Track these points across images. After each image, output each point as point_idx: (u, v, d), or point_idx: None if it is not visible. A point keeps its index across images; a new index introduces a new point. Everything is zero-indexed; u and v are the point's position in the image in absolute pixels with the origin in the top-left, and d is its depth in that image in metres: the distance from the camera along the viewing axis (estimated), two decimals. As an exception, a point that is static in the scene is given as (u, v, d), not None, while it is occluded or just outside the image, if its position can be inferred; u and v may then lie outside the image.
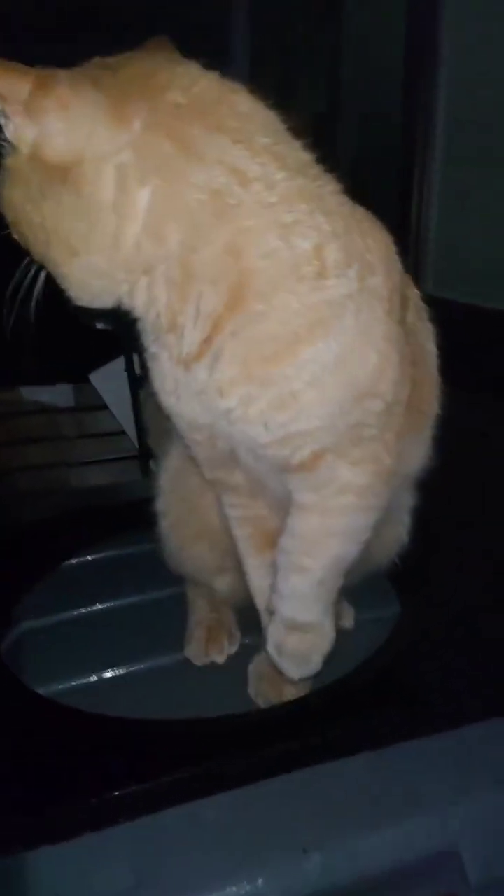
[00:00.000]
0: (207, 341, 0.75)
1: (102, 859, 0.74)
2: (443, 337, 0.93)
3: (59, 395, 1.84)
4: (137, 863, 0.74)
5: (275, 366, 0.74)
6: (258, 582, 0.98)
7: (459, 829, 0.79)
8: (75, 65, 0.73)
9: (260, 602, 0.99)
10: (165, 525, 1.06)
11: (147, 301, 0.76)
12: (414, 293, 0.88)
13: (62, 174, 0.69)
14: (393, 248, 0.81)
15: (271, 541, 0.94)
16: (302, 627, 0.90)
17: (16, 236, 0.76)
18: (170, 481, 1.06)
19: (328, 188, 0.76)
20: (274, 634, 0.91)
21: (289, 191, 0.72)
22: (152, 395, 1.20)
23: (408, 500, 1.02)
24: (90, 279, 0.75)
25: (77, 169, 0.69)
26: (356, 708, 0.92)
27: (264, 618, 0.99)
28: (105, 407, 1.77)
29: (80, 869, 0.74)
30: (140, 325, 0.81)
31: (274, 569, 0.94)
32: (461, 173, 1.51)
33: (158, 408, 0.88)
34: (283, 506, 0.91)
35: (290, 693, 0.96)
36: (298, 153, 0.75)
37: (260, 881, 0.73)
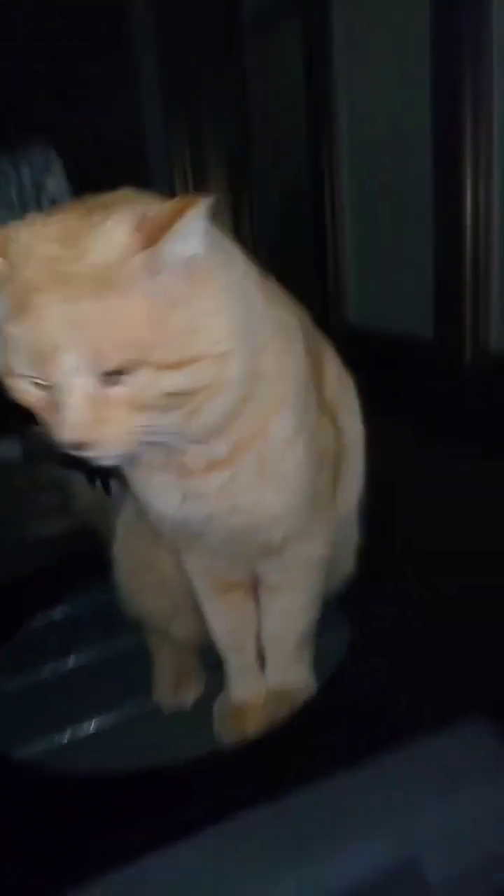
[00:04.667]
0: (238, 449, 0.81)
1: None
2: (360, 363, 1.02)
3: (7, 448, 1.86)
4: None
5: (282, 463, 0.84)
6: (218, 624, 1.03)
7: (417, 838, 0.84)
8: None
9: (221, 643, 1.04)
10: (119, 571, 1.11)
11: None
12: (331, 357, 1.00)
13: None
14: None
15: (231, 586, 1.01)
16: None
17: None
18: (124, 525, 1.11)
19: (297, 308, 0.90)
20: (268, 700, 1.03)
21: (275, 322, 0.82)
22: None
23: (354, 537, 1.11)
24: None
25: None
26: (315, 735, 0.97)
27: (225, 658, 1.05)
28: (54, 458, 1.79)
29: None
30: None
31: (233, 609, 1.02)
32: (368, 207, 1.57)
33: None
34: (244, 562, 0.98)
35: (253, 729, 1.01)
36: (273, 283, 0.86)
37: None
